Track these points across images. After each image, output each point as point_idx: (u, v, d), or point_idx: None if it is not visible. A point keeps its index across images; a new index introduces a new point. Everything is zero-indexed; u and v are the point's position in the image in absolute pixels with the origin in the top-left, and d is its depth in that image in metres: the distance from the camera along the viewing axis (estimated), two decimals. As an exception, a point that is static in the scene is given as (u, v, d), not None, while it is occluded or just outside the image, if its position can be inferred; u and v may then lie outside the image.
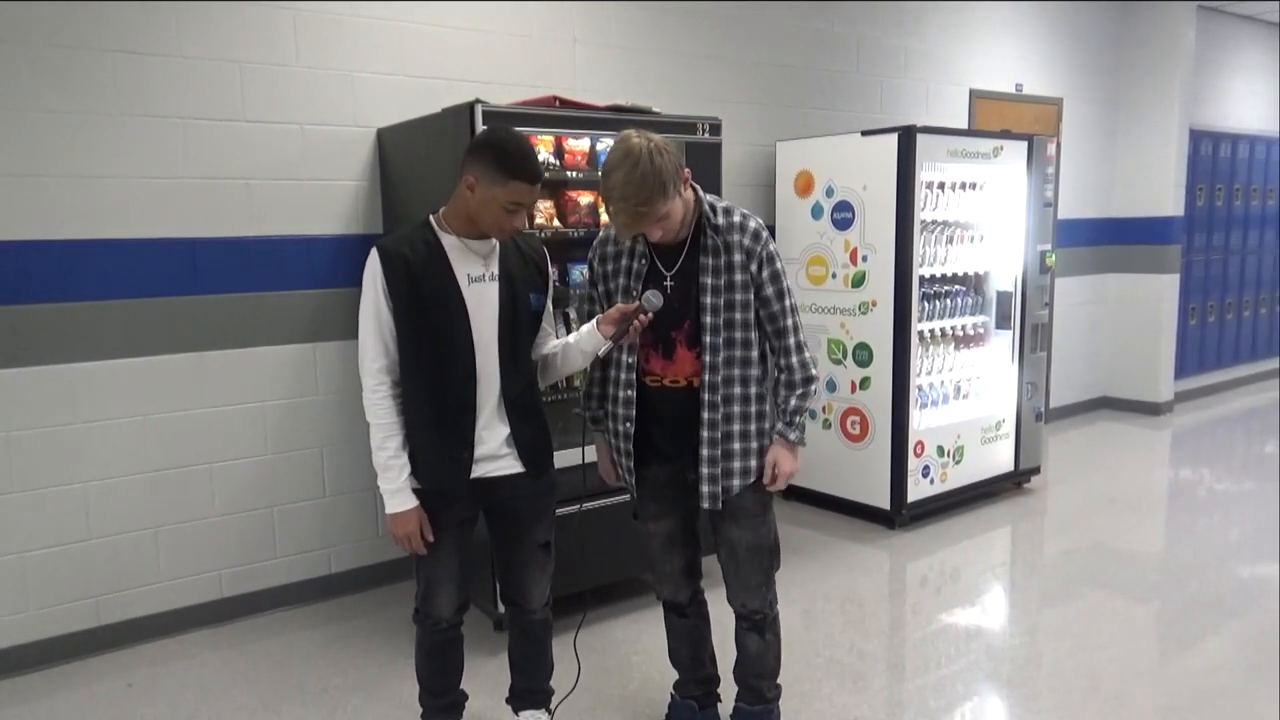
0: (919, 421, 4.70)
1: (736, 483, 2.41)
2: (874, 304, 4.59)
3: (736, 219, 2.37)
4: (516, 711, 2.71)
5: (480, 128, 3.12)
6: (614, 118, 3.54)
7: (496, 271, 2.36)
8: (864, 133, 4.61)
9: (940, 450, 4.80)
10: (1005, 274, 5.09)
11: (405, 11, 3.88)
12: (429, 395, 2.32)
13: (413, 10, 3.90)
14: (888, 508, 4.68)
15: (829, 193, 4.71)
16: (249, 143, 3.59)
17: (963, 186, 4.85)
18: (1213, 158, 7.71)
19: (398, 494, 2.32)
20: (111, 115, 3.31)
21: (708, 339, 2.35)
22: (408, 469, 2.33)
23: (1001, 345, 5.14)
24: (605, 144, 3.58)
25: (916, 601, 4.00)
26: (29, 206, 3.21)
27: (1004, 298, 5.10)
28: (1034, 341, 5.14)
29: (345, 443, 3.90)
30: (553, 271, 2.59)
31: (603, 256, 2.51)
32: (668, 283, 2.38)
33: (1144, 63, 7.06)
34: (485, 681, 3.04)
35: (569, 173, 3.56)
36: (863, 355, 4.68)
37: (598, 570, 3.51)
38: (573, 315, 3.61)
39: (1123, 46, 7.15)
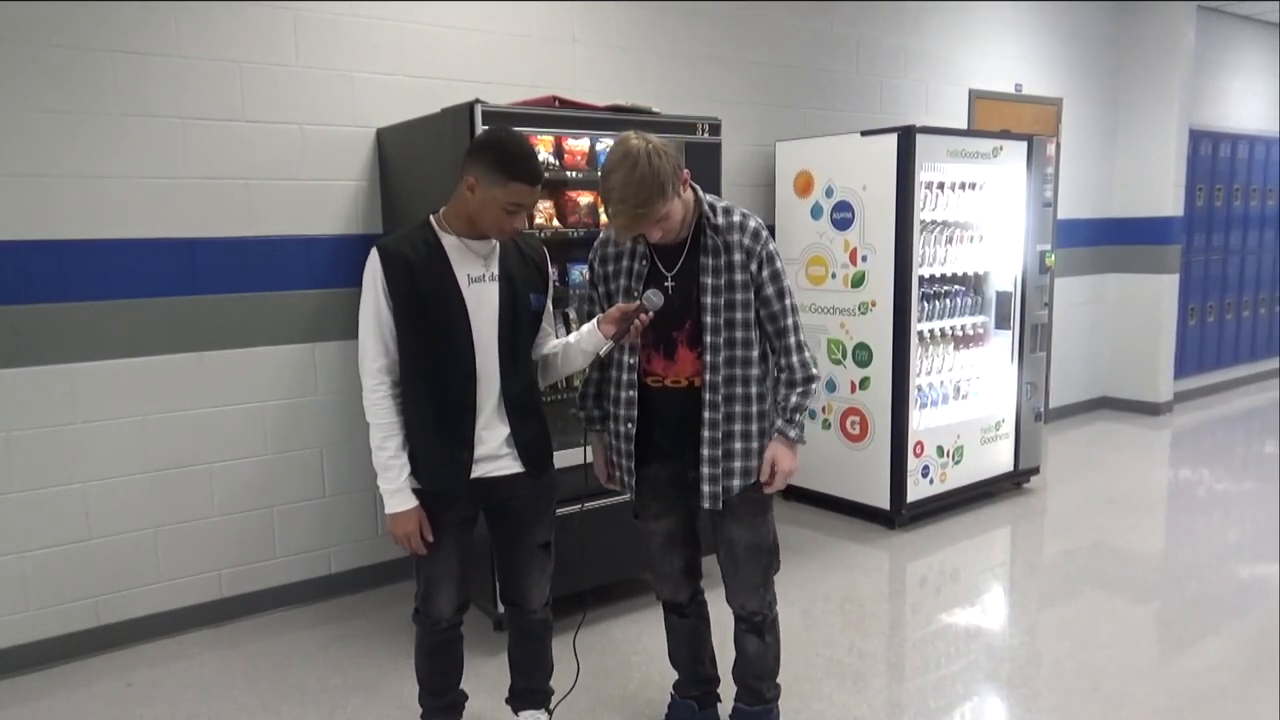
0: (918, 421, 4.70)
1: (737, 482, 2.41)
2: (873, 304, 4.59)
3: (736, 219, 2.38)
4: (516, 711, 2.71)
5: (480, 128, 3.13)
6: (614, 118, 3.54)
7: (497, 272, 2.36)
8: (864, 133, 4.61)
9: (940, 450, 4.80)
10: (1005, 274, 5.10)
11: (405, 11, 3.88)
12: (429, 395, 2.32)
13: (413, 10, 3.90)
14: (887, 508, 4.68)
15: (829, 193, 4.71)
16: (249, 143, 3.59)
17: (962, 186, 4.85)
18: (1212, 158, 7.71)
19: (397, 494, 2.32)
20: (111, 115, 3.32)
21: (708, 339, 2.35)
22: (407, 469, 2.33)
23: (1001, 345, 5.14)
24: (605, 144, 3.58)
25: (916, 601, 4.00)
26: (29, 206, 3.21)
27: (1004, 298, 5.10)
28: (1033, 341, 5.14)
29: (345, 443, 3.90)
30: (553, 271, 2.59)
31: (603, 257, 2.52)
32: (668, 283, 2.38)
33: (1144, 63, 7.06)
34: (485, 681, 3.04)
35: (568, 173, 3.56)
36: (862, 355, 4.68)
37: (598, 570, 3.51)
38: (572, 315, 3.61)
39: (1122, 46, 7.15)
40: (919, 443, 4.67)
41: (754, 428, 2.41)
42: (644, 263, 2.42)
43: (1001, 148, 4.90)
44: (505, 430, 2.38)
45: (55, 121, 3.22)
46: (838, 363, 4.79)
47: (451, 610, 2.48)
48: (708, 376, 2.36)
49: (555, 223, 3.60)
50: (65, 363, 3.31)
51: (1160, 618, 3.73)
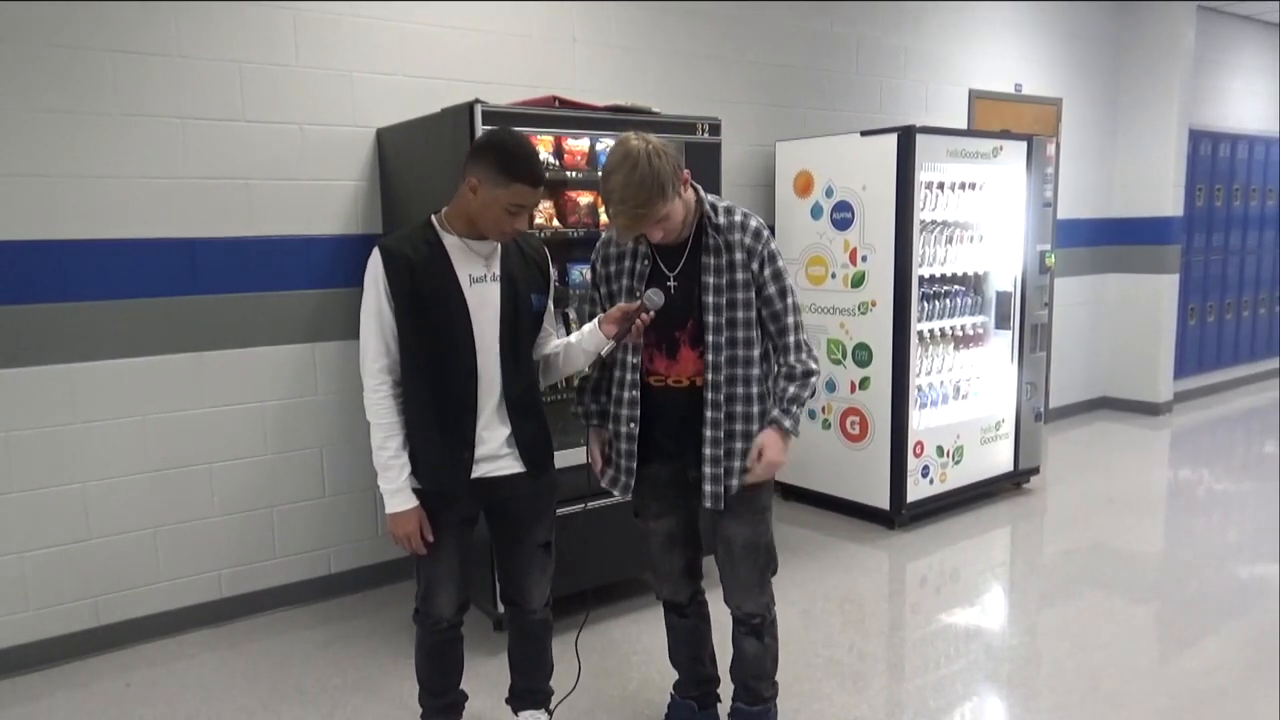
0: (918, 421, 4.70)
1: (736, 482, 2.41)
2: (873, 304, 4.59)
3: (737, 218, 2.38)
4: (516, 711, 2.71)
5: (480, 127, 3.13)
6: (613, 118, 3.54)
7: (498, 272, 2.36)
8: (863, 133, 4.61)
9: (940, 450, 4.80)
10: (1005, 274, 5.10)
11: (405, 11, 3.88)
12: (430, 395, 2.32)
13: (413, 10, 3.90)
14: (887, 508, 4.68)
15: (828, 193, 4.71)
16: (248, 143, 3.59)
17: (962, 187, 4.85)
18: (1212, 158, 7.72)
19: (398, 494, 2.32)
20: (111, 115, 3.31)
21: (710, 338, 2.35)
22: (408, 469, 2.33)
23: (1001, 345, 5.14)
24: (605, 144, 3.58)
25: (916, 601, 4.00)
26: (29, 206, 3.21)
27: (1003, 298, 5.10)
28: (1033, 341, 5.14)
29: (345, 443, 3.90)
30: (553, 272, 2.59)
31: (605, 258, 2.52)
32: (670, 283, 2.39)
33: (1143, 63, 7.06)
34: (485, 681, 3.04)
35: (568, 173, 3.56)
36: (862, 355, 4.68)
37: (600, 570, 3.52)
38: (572, 315, 3.61)
39: (1122, 46, 7.15)
40: (919, 443, 4.67)
41: (755, 428, 2.41)
42: (646, 263, 2.42)
43: (1001, 148, 4.90)
44: (506, 430, 2.38)
45: (55, 121, 3.22)
46: (838, 363, 4.79)
47: (452, 610, 2.48)
48: (709, 376, 2.37)
49: (555, 223, 3.60)
50: (65, 363, 3.31)
51: (1160, 618, 3.73)
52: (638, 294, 2.39)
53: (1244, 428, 7.17)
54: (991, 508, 5.07)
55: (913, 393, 4.63)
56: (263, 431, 3.74)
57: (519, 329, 2.39)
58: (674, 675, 2.81)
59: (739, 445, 2.40)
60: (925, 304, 4.73)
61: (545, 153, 3.48)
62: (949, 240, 4.82)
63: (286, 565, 3.85)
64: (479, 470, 2.36)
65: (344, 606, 3.87)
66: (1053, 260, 5.22)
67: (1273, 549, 4.34)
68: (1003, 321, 5.11)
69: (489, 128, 2.78)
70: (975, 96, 6.20)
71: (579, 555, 3.07)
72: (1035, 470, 5.38)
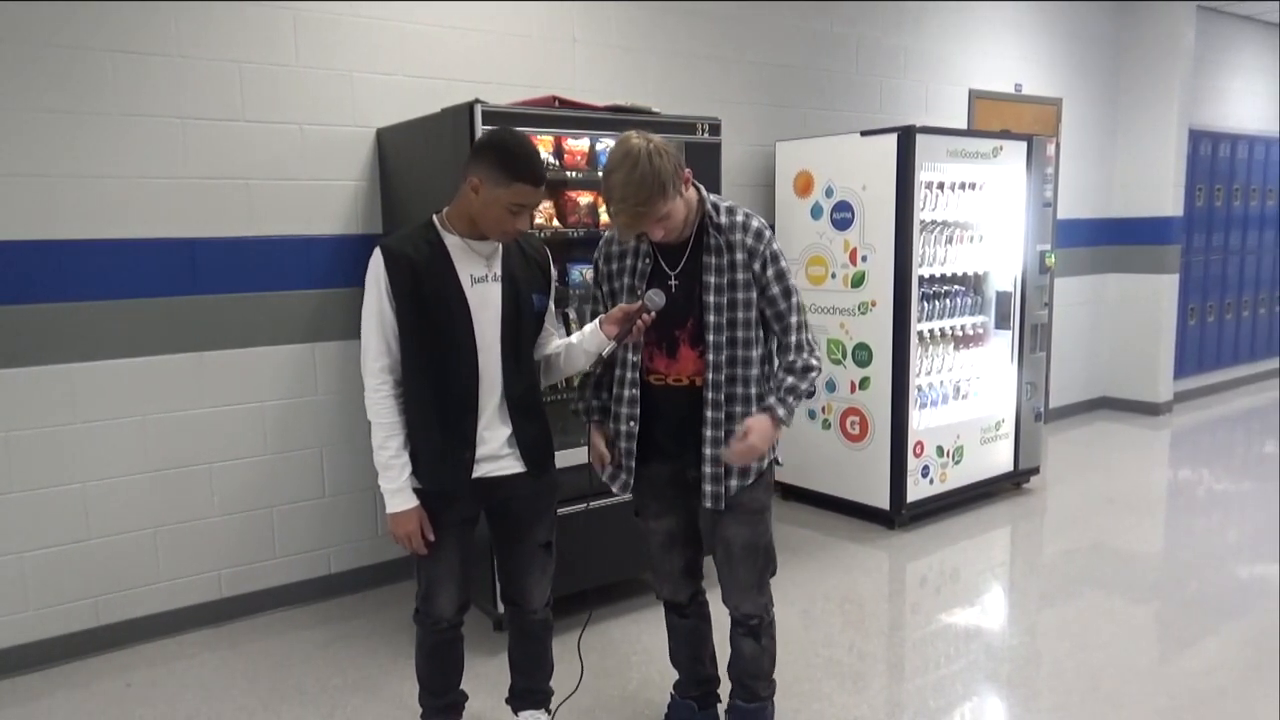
0: (918, 421, 4.70)
1: (735, 482, 2.41)
2: (873, 304, 4.59)
3: (739, 218, 2.38)
4: (516, 711, 2.71)
5: (480, 127, 3.13)
6: (613, 118, 3.54)
7: (499, 272, 2.36)
8: (863, 133, 4.61)
9: (940, 450, 4.80)
10: (1005, 274, 5.10)
11: (405, 11, 3.88)
12: (431, 395, 2.32)
13: (413, 10, 3.90)
14: (887, 508, 4.68)
15: (828, 193, 4.71)
16: (248, 143, 3.59)
17: (962, 187, 4.85)
18: (1212, 158, 7.72)
19: (398, 493, 2.32)
20: (111, 115, 3.31)
21: (710, 338, 2.35)
22: (409, 468, 2.33)
23: (1001, 345, 5.14)
24: (605, 144, 3.58)
25: (916, 601, 4.00)
26: (29, 206, 3.21)
27: (1003, 298, 5.10)
28: (1033, 341, 5.14)
29: (345, 443, 3.90)
30: (553, 271, 2.59)
31: (607, 256, 2.52)
32: (672, 282, 2.39)
33: (1143, 63, 7.06)
34: (485, 681, 3.04)
35: (568, 173, 3.56)
36: (862, 355, 4.68)
37: (601, 570, 3.52)
38: (572, 315, 3.61)
39: (1122, 46, 7.15)
40: (919, 443, 4.67)
41: (753, 427, 2.41)
42: (647, 261, 2.42)
43: (1001, 148, 4.90)
44: (507, 430, 2.39)
45: (55, 121, 3.22)
46: (838, 363, 4.79)
47: (452, 610, 2.48)
48: (709, 376, 2.37)
49: (555, 223, 3.60)
50: (65, 363, 3.31)
51: (1160, 618, 3.73)
52: (639, 292, 2.39)
53: (1244, 428, 7.17)
54: (991, 508, 5.07)
55: (913, 393, 4.63)
56: (263, 431, 3.74)
57: (520, 329, 2.39)
58: (674, 675, 2.81)
59: (738, 445, 2.40)
60: (925, 304, 4.73)
61: (545, 153, 3.48)
62: (949, 240, 4.82)
63: (286, 565, 3.85)
64: (480, 470, 2.36)
65: (344, 606, 3.87)
66: (1053, 260, 5.22)
67: (1273, 549, 4.34)
68: (1003, 321, 5.11)
69: (489, 128, 2.78)
70: (975, 96, 6.20)
71: (580, 555, 3.07)
72: (1035, 470, 5.38)
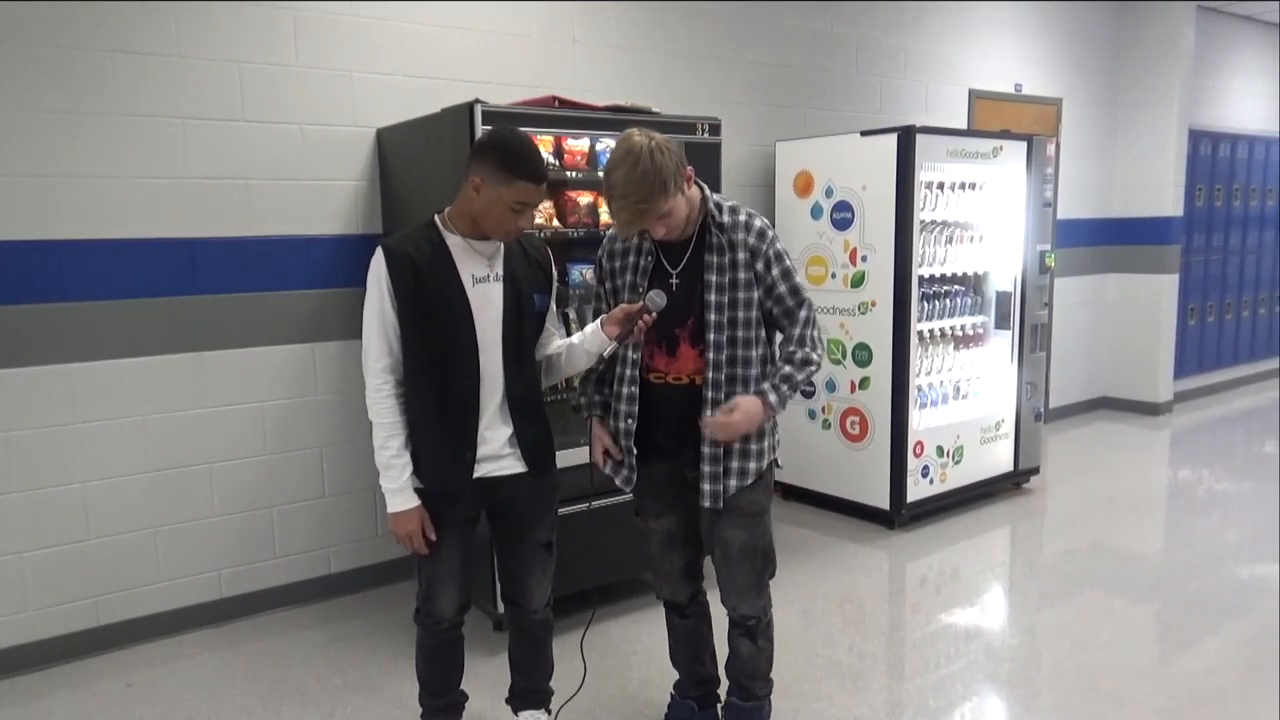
0: (918, 421, 4.70)
1: (734, 482, 2.41)
2: (873, 304, 4.59)
3: (742, 218, 2.38)
4: (516, 711, 2.71)
5: (480, 127, 3.13)
6: (613, 118, 3.54)
7: (501, 272, 2.36)
8: (863, 133, 4.61)
9: (940, 450, 4.80)
10: (1005, 274, 5.10)
11: (405, 11, 3.88)
12: (433, 395, 2.32)
13: (413, 10, 3.90)
14: (887, 508, 4.68)
15: (828, 193, 4.71)
16: (248, 142, 3.59)
17: (962, 186, 4.85)
18: (1212, 158, 7.72)
19: (399, 493, 2.32)
20: (111, 115, 3.31)
21: (711, 337, 2.36)
22: (410, 468, 2.33)
23: (1001, 345, 5.14)
24: (605, 144, 3.58)
25: (916, 601, 4.00)
26: (29, 206, 3.20)
27: (1003, 298, 5.10)
28: (1033, 341, 5.14)
29: (345, 443, 3.90)
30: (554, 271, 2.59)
31: (611, 253, 2.53)
32: (673, 280, 2.39)
33: (1143, 63, 7.06)
34: (485, 681, 3.04)
35: (568, 173, 3.56)
36: (862, 355, 4.68)
37: (601, 570, 3.52)
38: (572, 315, 3.61)
39: (1122, 46, 7.15)
40: (919, 443, 4.67)
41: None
42: (649, 259, 2.42)
43: (1001, 148, 4.90)
44: (508, 430, 2.39)
45: (55, 121, 3.22)
46: (837, 363, 4.79)
47: (453, 610, 2.48)
48: (709, 374, 2.37)
49: (555, 223, 3.59)
50: (65, 363, 3.31)
51: (1160, 618, 3.73)
52: (640, 290, 2.39)
53: (1244, 428, 7.17)
54: (991, 508, 5.07)
55: (913, 393, 4.63)
56: (263, 431, 3.74)
57: (521, 329, 2.39)
58: (674, 675, 2.81)
59: (736, 446, 2.40)
60: (925, 304, 4.73)
61: (545, 153, 3.47)
62: (949, 240, 4.82)
63: (286, 565, 3.85)
64: (481, 470, 2.36)
65: (344, 606, 3.87)
66: (1052, 260, 5.22)
67: (1273, 549, 4.34)
68: (1003, 321, 5.11)
69: (489, 127, 2.78)
70: (975, 96, 6.20)
71: (580, 555, 3.07)
72: (1035, 470, 5.38)
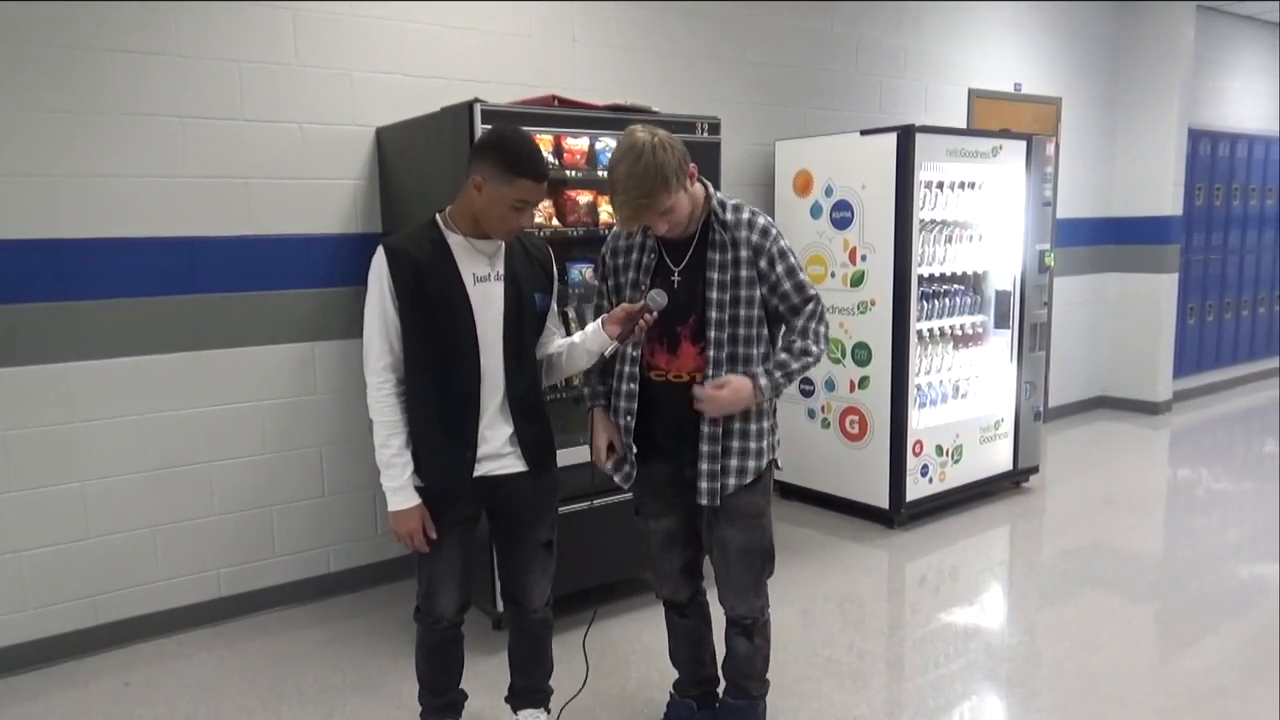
0: (918, 421, 4.70)
1: (733, 481, 2.41)
2: (873, 303, 4.59)
3: (745, 216, 2.39)
4: (515, 710, 2.71)
5: (479, 126, 3.13)
6: (613, 117, 3.54)
7: (502, 271, 2.36)
8: (863, 132, 4.61)
9: (939, 449, 4.80)
10: (1004, 273, 5.10)
11: (405, 11, 3.88)
12: (433, 394, 2.32)
13: (413, 10, 3.90)
14: (886, 507, 4.68)
15: (828, 192, 4.71)
16: (248, 142, 3.59)
17: (961, 186, 4.85)
18: (1211, 157, 7.72)
19: (400, 491, 2.32)
20: (111, 115, 3.31)
21: (712, 334, 2.36)
22: (410, 467, 2.33)
23: (1000, 344, 5.14)
24: (604, 143, 3.58)
25: (915, 601, 4.00)
26: (29, 206, 3.20)
27: (1003, 297, 5.10)
28: (1033, 341, 5.14)
29: (344, 442, 3.90)
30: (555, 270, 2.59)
31: (614, 250, 2.53)
32: (675, 277, 2.39)
33: (1143, 62, 7.06)
34: (484, 681, 3.04)
35: (568, 172, 3.55)
36: (861, 355, 4.68)
37: (603, 569, 3.52)
38: (571, 314, 3.61)
39: (1122, 46, 7.15)
40: (918, 442, 4.67)
41: (752, 427, 2.41)
42: (652, 256, 2.42)
43: (1001, 147, 4.90)
44: (509, 429, 2.39)
45: (55, 121, 3.22)
46: (837, 362, 4.79)
47: (453, 609, 2.48)
48: (710, 372, 2.37)
49: (555, 222, 3.59)
50: (64, 361, 3.31)
51: (1160, 618, 3.73)
52: (643, 287, 2.39)
53: (1243, 427, 7.17)
54: (991, 507, 5.07)
55: (912, 392, 4.63)
56: (261, 431, 3.73)
57: (522, 328, 2.39)
58: (674, 674, 2.81)
59: (735, 444, 2.40)
60: (924, 303, 4.73)
61: (544, 152, 3.47)
62: (948, 239, 4.82)
63: (285, 564, 3.85)
64: (481, 469, 2.36)
65: (343, 606, 3.87)
66: (1052, 259, 5.22)
67: (1273, 549, 4.34)
68: (1002, 321, 5.11)
69: (489, 126, 2.78)
70: (975, 96, 6.20)
71: (581, 554, 3.07)
72: (1034, 469, 5.38)
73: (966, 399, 5.01)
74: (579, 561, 3.19)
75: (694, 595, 2.69)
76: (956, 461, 4.90)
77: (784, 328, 2.45)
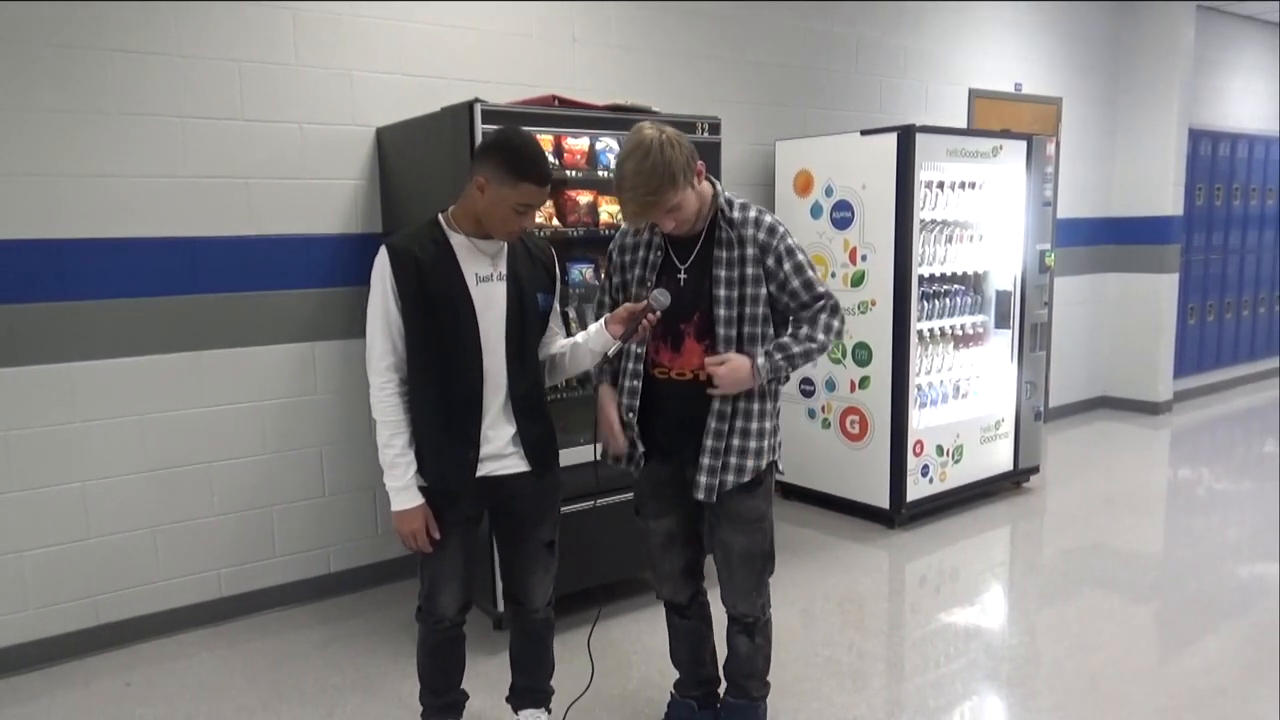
0: (918, 421, 4.70)
1: (731, 478, 2.41)
2: (873, 303, 4.59)
3: (752, 214, 2.39)
4: (516, 710, 2.71)
5: (479, 127, 3.13)
6: (613, 117, 3.54)
7: (504, 271, 2.36)
8: (863, 132, 4.61)
9: (939, 449, 4.80)
10: (1004, 273, 5.10)
11: (405, 11, 3.88)
12: (436, 394, 2.32)
13: (413, 10, 3.90)
14: (887, 507, 4.68)
15: (828, 192, 4.71)
16: (248, 142, 3.59)
17: (962, 186, 4.85)
18: (1212, 157, 7.72)
19: (403, 491, 2.32)
20: (111, 115, 3.31)
21: (720, 331, 2.36)
22: (413, 466, 2.33)
23: (1001, 344, 5.14)
24: (604, 143, 3.58)
25: (915, 601, 4.00)
26: (29, 206, 3.20)
27: (1003, 297, 5.10)
28: (1033, 341, 5.14)
29: (344, 442, 3.90)
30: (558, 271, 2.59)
31: (622, 247, 2.54)
32: (681, 275, 2.40)
33: (1143, 62, 7.06)
34: (485, 681, 3.04)
35: (568, 172, 3.55)
36: (862, 355, 4.68)
37: (605, 568, 3.52)
38: (572, 314, 3.61)
39: (1122, 46, 7.15)
40: (918, 442, 4.67)
41: (754, 426, 2.41)
42: (658, 254, 2.43)
43: (1001, 147, 4.90)
44: (511, 429, 2.39)
45: (55, 121, 3.22)
46: (837, 362, 4.79)
47: (455, 609, 2.48)
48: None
49: (555, 222, 3.59)
50: (65, 362, 3.31)
51: (1160, 618, 3.73)
52: (648, 284, 2.39)
53: (1244, 427, 7.17)
54: (991, 507, 5.07)
55: (912, 392, 4.63)
56: (262, 431, 3.73)
57: (525, 328, 2.39)
58: (675, 674, 2.81)
59: (736, 442, 2.40)
60: (925, 303, 4.73)
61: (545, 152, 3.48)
62: (949, 239, 4.82)
63: (285, 565, 3.85)
64: (484, 469, 2.37)
65: (343, 606, 3.87)
66: (1052, 259, 5.22)
67: (1273, 549, 4.34)
68: (1002, 321, 5.11)
69: (489, 127, 2.78)
70: (975, 96, 6.20)
71: (583, 554, 3.07)
72: (1035, 469, 5.38)
73: (967, 399, 5.01)
74: (581, 561, 3.19)
75: (694, 596, 2.69)
76: (957, 461, 4.90)
77: (795, 324, 2.45)
